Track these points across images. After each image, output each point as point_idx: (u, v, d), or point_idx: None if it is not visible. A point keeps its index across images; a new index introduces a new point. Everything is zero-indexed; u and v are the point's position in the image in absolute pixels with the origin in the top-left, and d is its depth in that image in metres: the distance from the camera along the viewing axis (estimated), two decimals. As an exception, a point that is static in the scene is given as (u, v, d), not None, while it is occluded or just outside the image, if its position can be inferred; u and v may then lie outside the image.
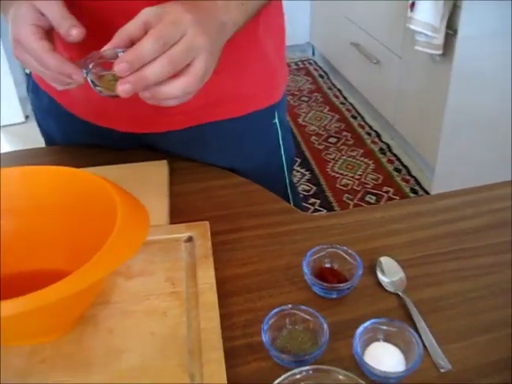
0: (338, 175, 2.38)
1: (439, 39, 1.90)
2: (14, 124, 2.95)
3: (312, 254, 0.65)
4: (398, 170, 2.41)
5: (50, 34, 0.62)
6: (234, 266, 0.68)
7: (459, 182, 1.85)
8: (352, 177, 2.37)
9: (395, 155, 2.51)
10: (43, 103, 0.93)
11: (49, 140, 1.01)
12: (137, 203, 0.58)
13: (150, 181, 0.81)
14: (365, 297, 0.64)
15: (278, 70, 0.89)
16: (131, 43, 0.55)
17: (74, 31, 0.59)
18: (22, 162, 0.92)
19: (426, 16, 1.90)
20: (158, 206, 0.76)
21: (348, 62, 2.91)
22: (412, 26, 1.95)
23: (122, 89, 0.54)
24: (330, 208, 2.18)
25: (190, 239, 0.69)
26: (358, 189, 2.30)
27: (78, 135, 0.94)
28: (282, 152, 0.93)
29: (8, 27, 0.62)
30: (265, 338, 0.55)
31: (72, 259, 0.60)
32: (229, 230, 0.73)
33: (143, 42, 0.53)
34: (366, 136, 2.66)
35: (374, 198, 2.24)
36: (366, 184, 2.32)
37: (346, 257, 0.66)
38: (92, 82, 0.59)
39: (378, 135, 2.65)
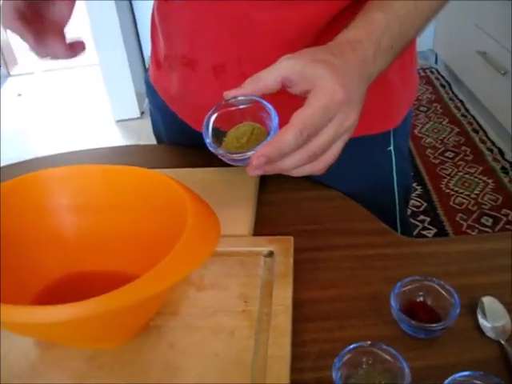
0: (452, 192, 2.22)
1: None
2: (130, 119, 3.07)
3: (402, 285, 0.58)
4: (521, 193, 2.20)
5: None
6: (314, 289, 0.62)
7: None
8: (468, 195, 2.20)
9: (519, 175, 2.29)
10: (156, 99, 0.93)
11: (158, 137, 1.02)
12: (208, 209, 0.54)
13: (238, 187, 0.78)
14: (459, 341, 0.55)
15: (400, 94, 0.79)
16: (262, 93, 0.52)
17: None
18: (129, 156, 0.93)
19: None
20: (242, 214, 0.72)
21: (473, 72, 2.71)
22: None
23: (253, 174, 0.51)
24: (440, 227, 2.04)
25: (270, 254, 0.65)
26: (474, 209, 2.12)
27: (182, 136, 0.93)
28: (395, 182, 0.84)
29: None
30: (336, 375, 0.49)
31: (138, 263, 0.58)
32: (314, 247, 0.68)
33: (286, 134, 0.49)
34: (487, 152, 2.46)
35: (490, 220, 2.06)
36: (483, 204, 2.14)
37: (442, 292, 0.57)
38: (212, 130, 0.56)
39: (501, 152, 2.44)
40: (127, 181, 0.58)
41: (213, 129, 0.56)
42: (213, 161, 0.82)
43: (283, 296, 0.58)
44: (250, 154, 0.51)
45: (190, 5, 0.70)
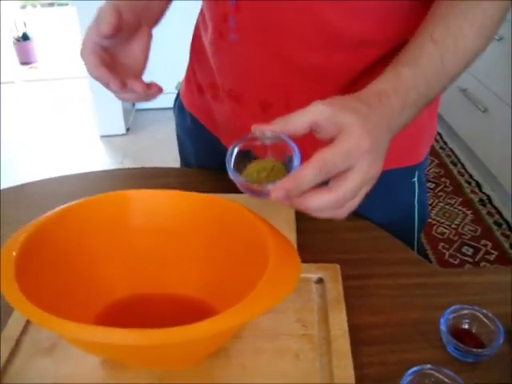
0: (434, 222, 2.31)
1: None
2: (115, 135, 3.07)
3: (451, 313, 0.63)
4: (498, 224, 2.30)
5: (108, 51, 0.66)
6: (364, 314, 0.66)
7: None
8: (449, 225, 2.29)
9: (495, 208, 2.40)
10: (186, 122, 0.96)
11: (184, 159, 1.04)
12: (285, 240, 0.57)
13: (277, 214, 0.81)
14: (501, 365, 0.60)
15: (428, 129, 0.85)
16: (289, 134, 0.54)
17: (102, 25, 0.61)
18: (150, 179, 0.96)
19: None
20: (285, 241, 0.76)
21: (453, 108, 2.84)
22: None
23: (274, 199, 0.51)
24: (424, 255, 2.10)
25: (320, 281, 0.68)
26: (455, 239, 2.21)
27: (212, 158, 0.96)
28: (416, 213, 0.89)
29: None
30: (403, 397, 0.53)
31: (205, 287, 0.61)
32: (358, 276, 0.72)
33: (305, 170, 0.50)
34: (465, 184, 2.56)
35: (471, 250, 2.15)
36: (464, 235, 2.23)
37: (485, 320, 0.62)
38: (235, 159, 0.57)
39: (479, 185, 2.55)
40: (200, 207, 0.61)
41: (235, 158, 0.57)
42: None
43: (339, 321, 0.62)
44: (269, 186, 0.53)
45: (243, 43, 0.74)
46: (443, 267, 2.02)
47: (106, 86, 0.64)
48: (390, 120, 0.57)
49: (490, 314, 0.62)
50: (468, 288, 0.71)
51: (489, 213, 2.37)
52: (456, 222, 2.31)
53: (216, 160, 0.95)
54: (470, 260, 2.10)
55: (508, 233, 2.25)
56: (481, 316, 0.63)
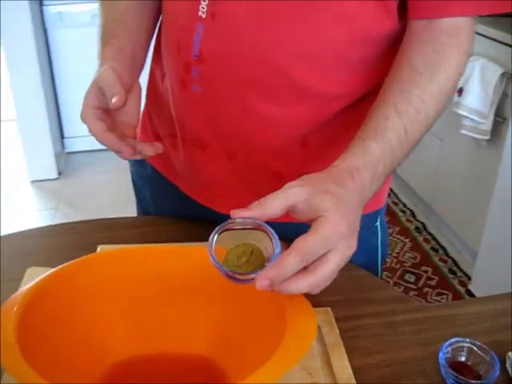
0: (376, 252, 2.37)
1: (487, 125, 1.94)
2: (47, 180, 2.97)
3: (447, 346, 0.64)
4: (435, 250, 2.40)
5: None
6: (361, 356, 0.66)
7: (503, 268, 1.84)
8: (389, 254, 2.36)
9: (431, 234, 2.50)
10: (145, 171, 0.95)
11: (143, 209, 1.02)
12: (305, 303, 0.56)
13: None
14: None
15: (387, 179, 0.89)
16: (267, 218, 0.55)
17: (113, 99, 0.63)
18: (116, 230, 0.93)
19: (474, 102, 1.96)
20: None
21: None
22: (459, 111, 2.00)
23: (258, 287, 0.52)
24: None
25: (315, 325, 0.68)
26: (397, 267, 2.28)
27: (171, 208, 0.95)
28: (379, 254, 0.92)
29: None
30: None
31: (209, 344, 0.59)
32: (348, 317, 0.72)
33: (288, 259, 0.51)
34: (400, 213, 2.67)
35: (413, 277, 2.22)
36: (405, 262, 2.31)
37: (479, 352, 0.64)
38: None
39: (413, 213, 2.66)
40: (200, 263, 0.60)
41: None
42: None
43: (342, 365, 0.62)
44: (253, 275, 0.54)
45: (208, 94, 0.74)
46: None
47: (117, 153, 0.66)
48: (362, 194, 0.60)
49: (485, 346, 0.64)
50: (456, 320, 0.73)
51: (425, 239, 2.47)
52: (396, 251, 2.39)
53: (175, 206, 0.94)
54: (414, 287, 2.17)
55: (445, 258, 2.35)
56: (475, 348, 0.65)
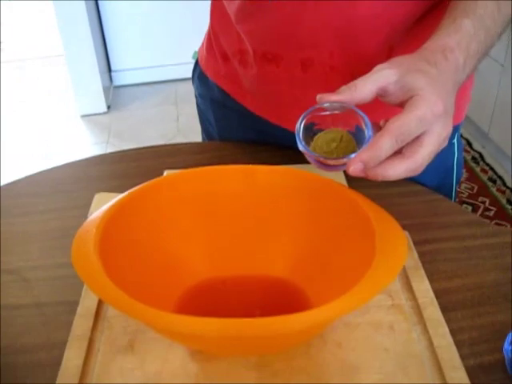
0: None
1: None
2: (96, 114, 2.99)
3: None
4: (492, 181, 2.32)
5: None
6: (440, 280, 0.65)
7: None
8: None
9: (488, 164, 2.42)
10: (212, 93, 0.93)
11: (207, 134, 1.01)
12: (389, 218, 0.54)
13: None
14: None
15: (467, 88, 0.83)
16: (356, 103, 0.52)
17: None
18: (180, 155, 0.91)
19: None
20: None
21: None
22: (526, 32, 1.88)
23: (351, 172, 0.51)
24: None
25: (392, 249, 0.66)
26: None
27: (236, 132, 0.93)
28: (454, 174, 0.89)
29: None
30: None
31: (292, 268, 0.59)
32: (423, 241, 0.70)
33: (382, 141, 0.49)
34: (456, 143, 2.58)
35: (470, 208, 2.17)
36: (461, 193, 2.25)
37: None
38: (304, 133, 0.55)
39: (469, 143, 2.57)
40: (280, 182, 0.58)
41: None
42: (284, 159, 0.83)
43: (424, 288, 0.60)
44: (345, 160, 0.52)
45: (283, 6, 0.70)
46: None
47: None
48: (456, 76, 0.56)
49: None
50: (535, 245, 0.70)
51: (482, 170, 2.40)
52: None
53: (240, 130, 0.92)
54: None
55: (503, 188, 2.28)
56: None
